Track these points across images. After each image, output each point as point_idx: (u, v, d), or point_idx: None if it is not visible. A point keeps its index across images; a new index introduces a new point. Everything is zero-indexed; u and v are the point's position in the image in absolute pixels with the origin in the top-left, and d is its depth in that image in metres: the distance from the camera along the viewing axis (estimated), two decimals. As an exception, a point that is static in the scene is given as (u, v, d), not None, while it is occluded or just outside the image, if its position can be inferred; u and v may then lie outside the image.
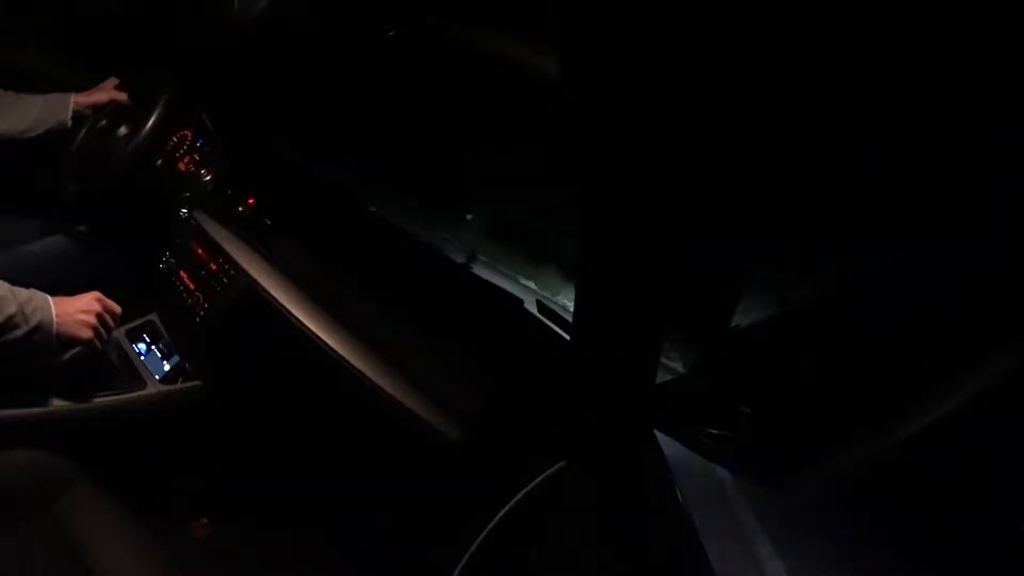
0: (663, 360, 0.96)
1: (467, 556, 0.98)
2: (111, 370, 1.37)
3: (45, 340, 1.13)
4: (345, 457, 1.37)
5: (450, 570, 0.98)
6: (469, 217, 1.62)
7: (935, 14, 0.47)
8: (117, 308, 1.27)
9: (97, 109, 1.60)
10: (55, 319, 1.14)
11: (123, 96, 1.60)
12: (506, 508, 0.97)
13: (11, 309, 1.08)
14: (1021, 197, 0.53)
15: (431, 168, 1.62)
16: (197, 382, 1.43)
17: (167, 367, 1.42)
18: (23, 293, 1.12)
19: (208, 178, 1.57)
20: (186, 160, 1.60)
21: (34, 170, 1.66)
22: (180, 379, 1.42)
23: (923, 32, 0.48)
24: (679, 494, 0.88)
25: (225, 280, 1.38)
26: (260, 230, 1.42)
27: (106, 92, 1.61)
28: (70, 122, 1.56)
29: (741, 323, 0.81)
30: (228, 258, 1.39)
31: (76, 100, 1.57)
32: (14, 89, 1.55)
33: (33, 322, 1.10)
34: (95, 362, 1.30)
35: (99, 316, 1.21)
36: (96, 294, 1.24)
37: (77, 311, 1.18)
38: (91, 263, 1.55)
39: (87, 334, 1.19)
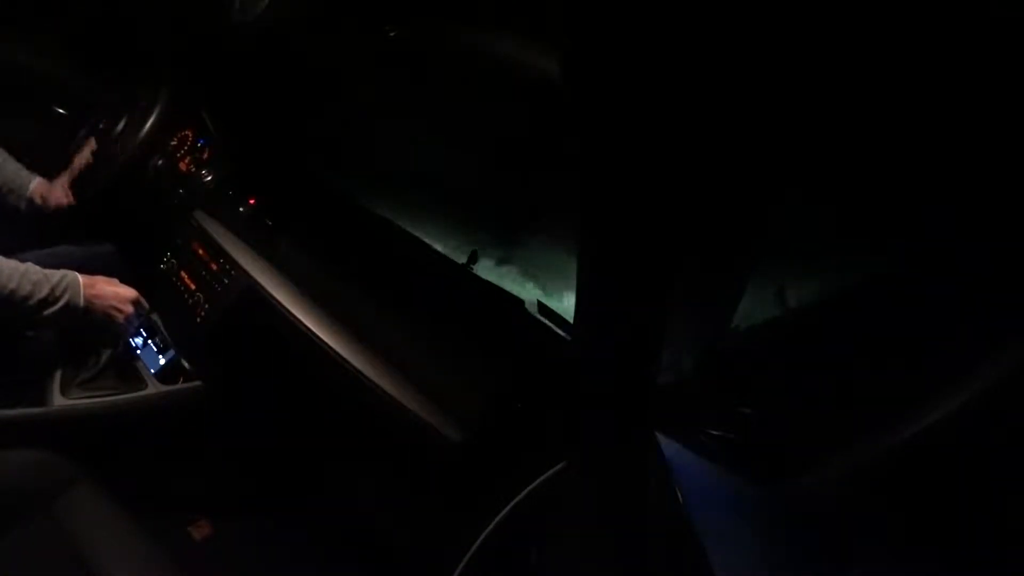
0: (663, 361, 0.96)
1: (467, 556, 0.98)
2: (110, 369, 1.37)
3: (73, 317, 1.24)
4: (345, 457, 1.37)
5: (450, 570, 0.98)
6: (470, 217, 1.62)
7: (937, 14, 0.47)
8: (146, 307, 1.38)
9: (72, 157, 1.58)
10: (83, 300, 1.25)
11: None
12: (506, 509, 0.97)
13: (43, 292, 1.19)
14: (1021, 197, 0.53)
15: (432, 168, 1.62)
16: (197, 382, 1.43)
17: (162, 360, 1.42)
18: (56, 275, 1.23)
19: (209, 178, 1.57)
20: (187, 160, 1.60)
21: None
22: (180, 379, 1.42)
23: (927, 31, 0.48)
24: (679, 494, 0.88)
25: (226, 280, 1.38)
26: (261, 230, 1.42)
27: (62, 192, 1.56)
28: (24, 205, 1.54)
29: (741, 323, 0.81)
30: (229, 258, 1.39)
31: (34, 191, 1.54)
32: (15, 89, 1.55)
33: (62, 302, 1.22)
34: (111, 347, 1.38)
35: (128, 314, 1.31)
36: (135, 293, 1.34)
37: (112, 298, 1.29)
38: (92, 264, 1.56)
39: (115, 320, 1.30)
